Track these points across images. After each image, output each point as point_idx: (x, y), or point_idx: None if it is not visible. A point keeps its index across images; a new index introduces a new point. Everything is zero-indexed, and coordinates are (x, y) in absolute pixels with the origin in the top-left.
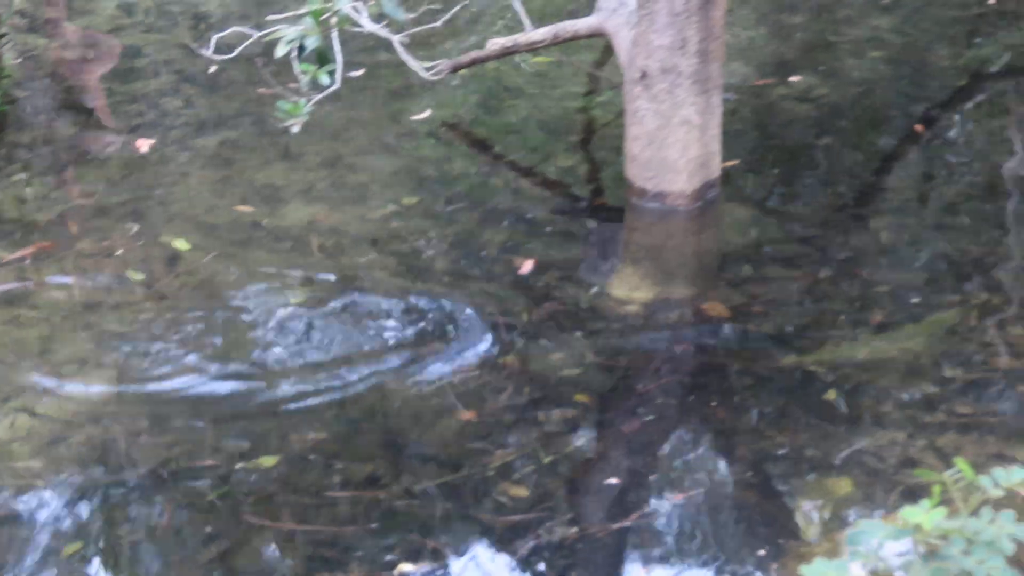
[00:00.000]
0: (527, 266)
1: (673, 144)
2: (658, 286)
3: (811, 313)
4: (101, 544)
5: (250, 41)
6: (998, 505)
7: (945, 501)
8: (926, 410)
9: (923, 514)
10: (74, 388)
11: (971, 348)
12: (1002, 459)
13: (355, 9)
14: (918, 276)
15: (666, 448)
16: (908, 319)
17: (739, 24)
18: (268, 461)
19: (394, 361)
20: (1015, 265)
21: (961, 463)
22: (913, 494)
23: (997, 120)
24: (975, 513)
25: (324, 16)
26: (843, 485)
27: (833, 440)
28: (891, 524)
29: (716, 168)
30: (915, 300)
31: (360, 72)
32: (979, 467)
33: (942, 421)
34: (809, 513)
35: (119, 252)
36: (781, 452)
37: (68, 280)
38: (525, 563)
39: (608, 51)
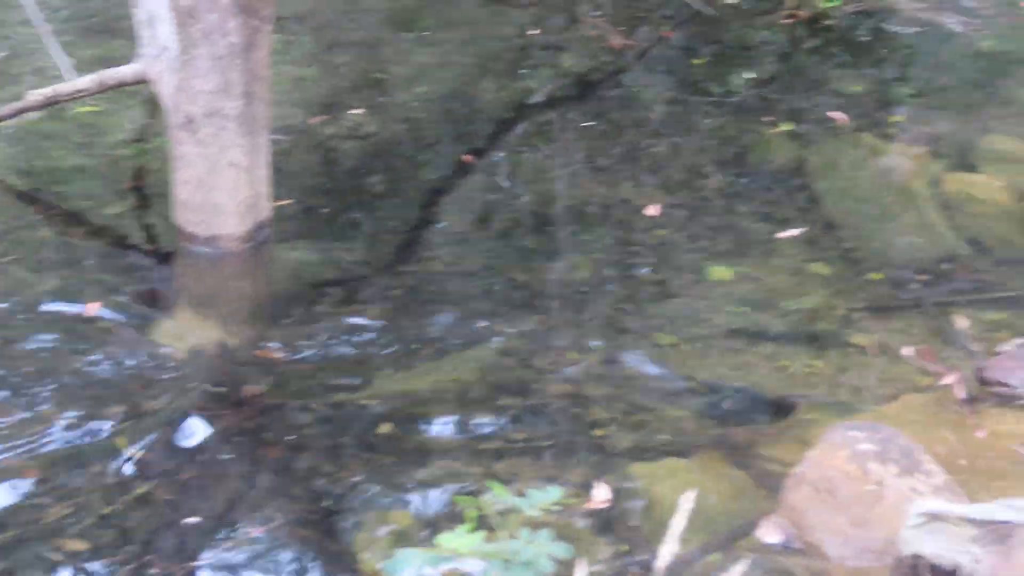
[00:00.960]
0: (91, 309)
1: (222, 187)
2: (209, 331)
3: (366, 348)
4: None
5: None
6: (540, 525)
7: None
8: (481, 438)
9: (460, 539)
10: None
11: (525, 374)
12: (558, 480)
13: None
14: (472, 306)
15: (227, 489)
16: (462, 349)
17: (288, 63)
18: None
19: None
20: (564, 290)
21: (496, 486)
22: (474, 520)
23: (543, 149)
24: (513, 534)
25: None
26: (403, 517)
27: (390, 473)
28: (429, 551)
29: (267, 209)
30: (469, 329)
31: None
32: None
33: (498, 448)
34: (369, 547)
35: None
36: (339, 488)
37: None
38: None
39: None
